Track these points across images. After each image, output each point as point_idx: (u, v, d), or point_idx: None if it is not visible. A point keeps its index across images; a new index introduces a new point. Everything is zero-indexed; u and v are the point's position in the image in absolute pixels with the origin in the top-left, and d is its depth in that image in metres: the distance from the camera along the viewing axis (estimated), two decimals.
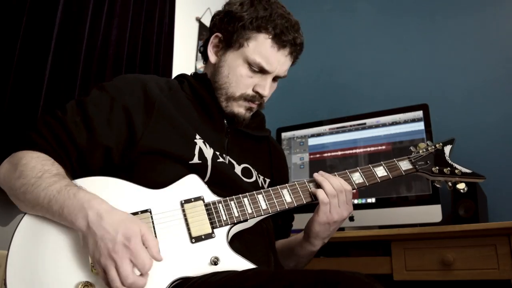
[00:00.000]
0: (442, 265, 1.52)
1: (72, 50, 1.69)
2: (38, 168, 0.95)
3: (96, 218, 0.86)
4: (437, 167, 1.18)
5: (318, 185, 1.11)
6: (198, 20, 2.45)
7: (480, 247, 1.49)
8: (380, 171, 1.15)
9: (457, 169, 1.18)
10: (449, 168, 1.18)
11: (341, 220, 1.12)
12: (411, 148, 1.23)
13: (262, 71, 1.15)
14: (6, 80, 1.48)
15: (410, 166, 1.17)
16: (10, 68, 1.49)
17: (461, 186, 1.18)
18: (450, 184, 1.20)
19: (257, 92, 1.16)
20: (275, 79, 1.20)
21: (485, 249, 1.48)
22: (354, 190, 1.16)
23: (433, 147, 1.22)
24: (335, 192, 1.09)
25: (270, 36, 1.14)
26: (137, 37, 1.98)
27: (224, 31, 1.18)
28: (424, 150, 1.21)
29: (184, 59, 2.34)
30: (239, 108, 1.18)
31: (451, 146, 1.22)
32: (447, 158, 1.20)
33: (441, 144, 1.22)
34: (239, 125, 1.21)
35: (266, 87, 1.16)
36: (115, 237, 0.84)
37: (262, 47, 1.14)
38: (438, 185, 1.21)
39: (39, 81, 1.56)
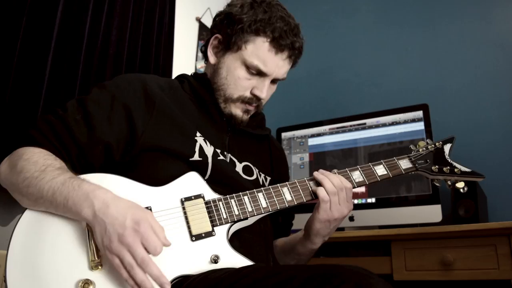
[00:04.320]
0: (442, 265, 1.52)
1: (72, 50, 1.69)
2: (41, 162, 0.95)
3: (102, 206, 0.87)
4: (436, 166, 1.17)
5: (318, 184, 1.10)
6: (198, 20, 2.45)
7: (480, 247, 1.49)
8: (380, 170, 1.15)
9: (457, 168, 1.18)
10: (448, 167, 1.18)
11: (341, 218, 1.12)
12: (411, 146, 1.23)
13: (259, 73, 1.16)
14: (6, 80, 1.48)
15: (410, 165, 1.17)
16: (10, 68, 1.49)
17: (461, 185, 1.18)
18: (449, 183, 1.19)
19: (254, 95, 1.17)
20: (273, 81, 1.21)
21: (485, 249, 1.48)
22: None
23: (433, 145, 1.21)
24: (335, 190, 1.08)
25: (268, 40, 1.13)
26: (137, 37, 1.98)
27: (223, 33, 1.18)
28: (424, 148, 1.21)
29: (184, 59, 2.34)
30: (236, 110, 1.18)
31: (451, 144, 1.22)
32: (447, 156, 1.20)
33: (441, 142, 1.22)
34: (237, 126, 1.21)
35: (264, 90, 1.17)
36: (124, 222, 0.86)
37: (260, 51, 1.14)
38: (437, 184, 1.21)
39: (39, 81, 1.56)
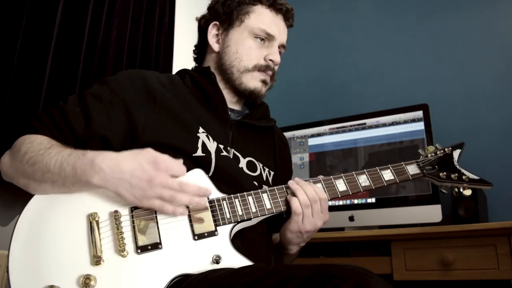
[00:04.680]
0: (442, 265, 1.52)
1: (72, 50, 1.69)
2: (46, 143, 0.98)
3: (114, 166, 0.91)
4: (444, 173, 1.16)
5: (293, 193, 1.07)
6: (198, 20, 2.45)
7: (480, 247, 1.49)
8: (387, 175, 1.14)
9: (465, 175, 1.17)
10: (456, 174, 1.17)
11: (314, 230, 1.09)
12: (420, 151, 1.22)
13: (268, 37, 1.22)
14: (7, 81, 1.48)
15: (418, 171, 1.16)
16: (11, 69, 1.49)
17: (467, 192, 1.17)
18: (456, 190, 1.18)
19: (270, 60, 1.21)
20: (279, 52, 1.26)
21: (485, 249, 1.48)
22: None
23: (442, 151, 1.20)
24: (308, 202, 1.06)
25: (266, 5, 1.22)
26: (137, 37, 1.98)
27: (221, 16, 1.24)
28: (433, 154, 1.20)
29: (184, 59, 2.34)
30: (255, 82, 1.21)
31: (460, 150, 1.20)
32: (456, 163, 1.19)
33: (450, 148, 1.21)
34: (257, 101, 1.24)
35: (276, 53, 1.23)
36: (142, 168, 0.91)
37: (262, 16, 1.22)
38: (444, 191, 1.19)
39: (39, 81, 1.56)
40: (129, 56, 1.92)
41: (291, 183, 1.09)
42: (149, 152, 0.94)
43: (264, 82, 1.22)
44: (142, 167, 0.91)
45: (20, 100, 1.50)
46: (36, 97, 1.54)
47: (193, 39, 2.44)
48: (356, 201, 1.92)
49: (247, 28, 1.20)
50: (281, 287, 0.75)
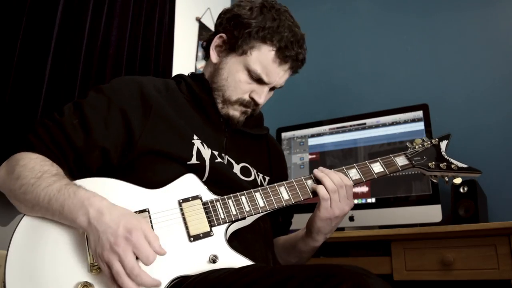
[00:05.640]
0: (442, 265, 1.52)
1: (72, 50, 1.69)
2: (37, 168, 0.95)
3: (97, 214, 0.87)
4: (433, 162, 1.18)
5: (318, 181, 1.11)
6: (198, 20, 2.45)
7: (480, 247, 1.49)
8: (377, 167, 1.15)
9: (453, 163, 1.18)
10: (445, 163, 1.18)
11: (342, 215, 1.12)
12: (407, 144, 1.24)
13: (259, 81, 1.16)
14: (6, 81, 1.48)
15: (407, 162, 1.18)
16: (10, 69, 1.49)
17: (458, 181, 1.19)
18: (446, 179, 1.20)
19: (252, 99, 1.17)
20: (272, 88, 1.21)
21: (485, 249, 1.48)
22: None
23: (429, 142, 1.22)
24: (335, 188, 1.09)
25: (274, 49, 1.14)
26: (137, 37, 1.98)
27: (229, 34, 1.18)
28: (420, 145, 1.22)
29: (184, 59, 2.34)
30: (234, 112, 1.19)
31: (447, 141, 1.23)
32: (443, 153, 1.21)
33: (437, 139, 1.23)
34: (233, 127, 1.21)
35: (262, 96, 1.18)
36: (116, 230, 0.85)
37: (264, 59, 1.14)
38: (435, 180, 1.21)
39: (39, 82, 1.56)
40: (129, 56, 1.92)
41: (316, 171, 1.12)
42: (137, 220, 0.89)
43: (244, 113, 1.20)
44: (116, 229, 0.85)
45: (20, 100, 1.50)
46: (36, 97, 1.54)
47: (193, 39, 2.45)
48: (356, 201, 1.92)
49: (244, 62, 1.15)
50: (280, 287, 0.75)
